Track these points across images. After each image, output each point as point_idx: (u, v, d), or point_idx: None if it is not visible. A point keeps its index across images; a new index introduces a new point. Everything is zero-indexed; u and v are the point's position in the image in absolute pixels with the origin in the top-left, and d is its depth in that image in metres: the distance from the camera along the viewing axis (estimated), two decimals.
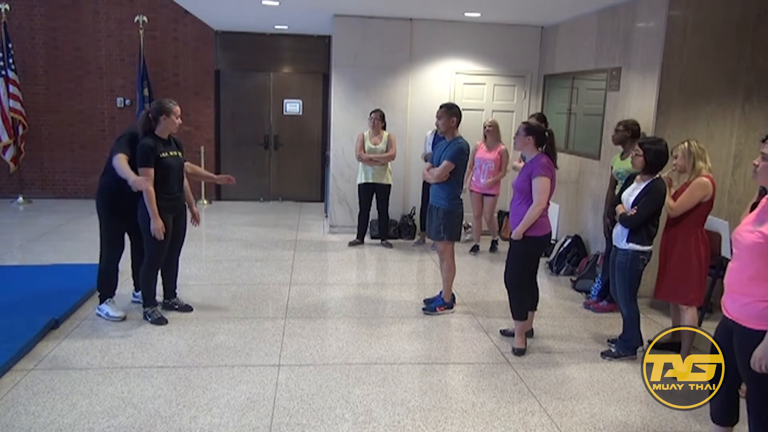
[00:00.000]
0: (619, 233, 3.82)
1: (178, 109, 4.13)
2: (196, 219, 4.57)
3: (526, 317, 4.09)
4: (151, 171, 3.96)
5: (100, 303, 4.33)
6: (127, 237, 4.37)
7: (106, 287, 4.31)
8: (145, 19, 8.33)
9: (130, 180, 3.83)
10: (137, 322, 4.26)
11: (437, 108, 4.69)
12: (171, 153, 4.12)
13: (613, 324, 4.52)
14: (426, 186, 6.60)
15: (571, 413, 3.24)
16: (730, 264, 2.55)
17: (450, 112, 4.50)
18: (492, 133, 6.35)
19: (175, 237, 4.32)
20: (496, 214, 6.71)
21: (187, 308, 4.54)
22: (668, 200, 3.82)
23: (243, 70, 9.07)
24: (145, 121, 4.06)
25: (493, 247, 6.65)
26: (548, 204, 3.86)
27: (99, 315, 4.31)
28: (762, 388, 2.44)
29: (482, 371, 3.73)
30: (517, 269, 4.00)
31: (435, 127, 6.45)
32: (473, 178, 6.48)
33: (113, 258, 4.26)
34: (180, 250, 4.52)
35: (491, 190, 6.42)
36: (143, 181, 3.88)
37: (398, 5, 6.26)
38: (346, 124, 7.12)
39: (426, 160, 6.61)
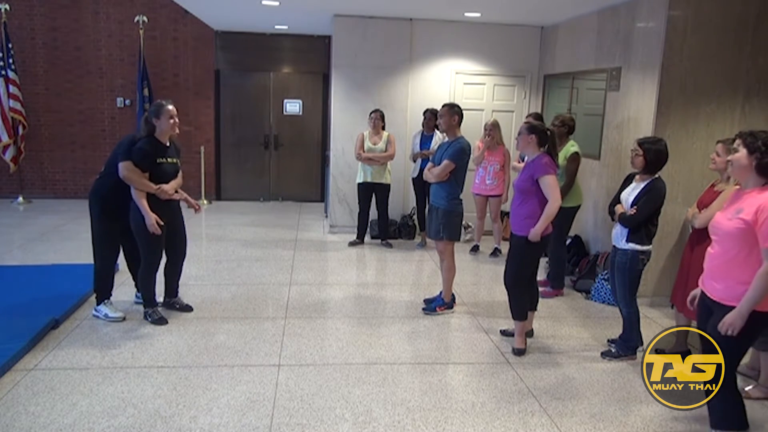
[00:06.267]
0: (619, 233, 3.81)
1: (170, 108, 4.05)
2: (194, 206, 4.43)
3: (526, 317, 4.09)
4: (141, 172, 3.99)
5: (97, 304, 4.32)
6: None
7: (102, 288, 4.30)
8: (145, 19, 8.34)
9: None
10: (137, 323, 4.26)
11: (438, 108, 4.71)
12: (169, 159, 4.15)
13: (613, 324, 4.52)
14: (420, 186, 6.61)
15: (571, 413, 3.24)
16: (709, 249, 2.76)
17: (451, 111, 4.50)
18: (492, 135, 6.11)
19: (173, 238, 4.32)
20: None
21: (187, 308, 4.54)
22: (693, 210, 3.71)
23: (243, 70, 9.07)
24: (145, 124, 4.10)
25: (495, 253, 6.47)
26: None
27: (96, 316, 4.30)
28: (730, 357, 2.66)
29: (482, 371, 3.73)
30: (517, 269, 4.00)
31: (420, 128, 6.61)
32: (476, 180, 6.34)
33: (108, 258, 4.26)
34: (185, 253, 4.51)
35: (496, 191, 6.29)
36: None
37: (398, 5, 6.26)
38: (346, 124, 7.12)
39: (414, 161, 6.64)
